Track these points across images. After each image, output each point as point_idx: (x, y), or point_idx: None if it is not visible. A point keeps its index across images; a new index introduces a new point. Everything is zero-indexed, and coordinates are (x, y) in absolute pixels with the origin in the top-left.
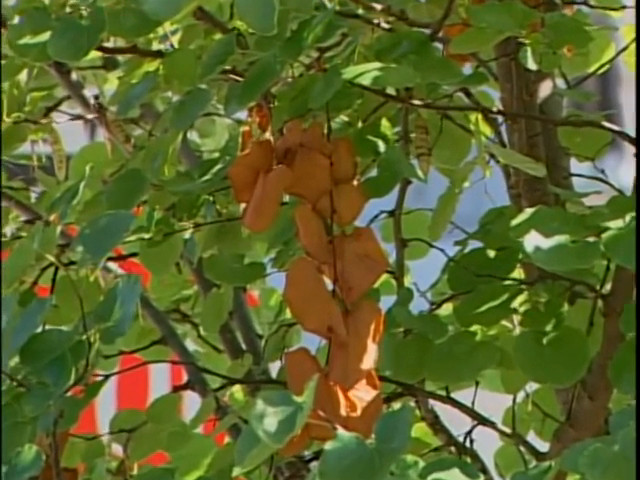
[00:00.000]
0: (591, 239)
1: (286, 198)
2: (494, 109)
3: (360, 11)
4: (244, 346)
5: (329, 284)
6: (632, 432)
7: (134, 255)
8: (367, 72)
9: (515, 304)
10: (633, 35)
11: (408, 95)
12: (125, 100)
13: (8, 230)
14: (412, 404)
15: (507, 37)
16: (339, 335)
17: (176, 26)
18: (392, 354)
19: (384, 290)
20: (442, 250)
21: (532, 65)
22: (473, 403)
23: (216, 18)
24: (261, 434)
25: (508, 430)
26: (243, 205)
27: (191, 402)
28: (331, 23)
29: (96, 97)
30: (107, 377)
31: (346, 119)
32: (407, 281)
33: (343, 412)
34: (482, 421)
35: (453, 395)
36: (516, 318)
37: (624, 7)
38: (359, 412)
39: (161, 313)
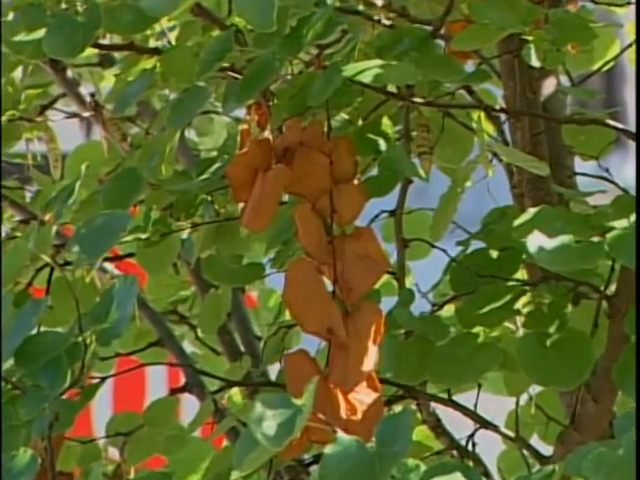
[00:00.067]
0: (595, 239)
1: (285, 197)
2: (497, 107)
3: (360, 7)
4: (243, 348)
5: (329, 285)
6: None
7: (131, 255)
8: (368, 69)
9: (518, 305)
10: None
11: (409, 93)
12: (121, 98)
13: (3, 230)
14: (413, 407)
15: (510, 34)
16: (339, 337)
17: (173, 23)
18: (393, 356)
19: (385, 291)
20: (444, 250)
21: (535, 62)
22: (475, 406)
23: (214, 14)
24: (260, 437)
25: (511, 433)
26: (241, 204)
27: (189, 405)
28: (331, 20)
29: (92, 95)
30: (103, 379)
31: (346, 117)
32: (408, 282)
33: (343, 415)
34: (484, 424)
35: (455, 398)
36: (519, 319)
37: (629, 3)
38: (359, 415)
39: (158, 314)
